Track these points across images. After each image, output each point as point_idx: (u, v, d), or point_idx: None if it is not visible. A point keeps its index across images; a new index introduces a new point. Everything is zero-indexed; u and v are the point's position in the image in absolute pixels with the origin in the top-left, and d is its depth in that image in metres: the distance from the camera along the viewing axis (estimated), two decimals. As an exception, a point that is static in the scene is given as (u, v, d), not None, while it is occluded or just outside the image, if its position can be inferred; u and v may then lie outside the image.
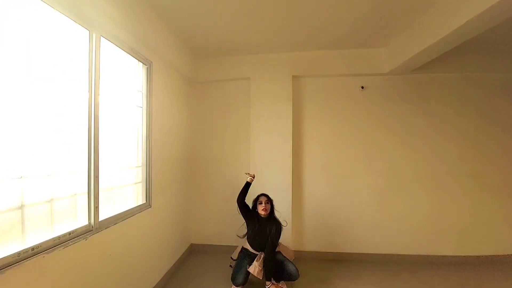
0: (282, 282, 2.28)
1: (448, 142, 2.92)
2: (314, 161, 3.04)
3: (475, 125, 2.90)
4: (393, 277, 2.56)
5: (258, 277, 2.17)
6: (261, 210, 2.27)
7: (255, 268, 2.18)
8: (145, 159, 2.14)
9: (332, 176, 3.01)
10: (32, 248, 1.14)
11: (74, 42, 1.42)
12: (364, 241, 2.96)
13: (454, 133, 2.92)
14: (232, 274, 2.29)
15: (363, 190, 2.98)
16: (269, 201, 2.33)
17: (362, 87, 3.00)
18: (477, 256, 2.83)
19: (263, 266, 2.22)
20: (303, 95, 3.10)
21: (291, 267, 2.25)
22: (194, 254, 3.11)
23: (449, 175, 2.90)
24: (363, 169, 2.98)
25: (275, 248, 2.28)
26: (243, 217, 2.38)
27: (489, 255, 2.83)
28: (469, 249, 2.85)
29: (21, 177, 1.13)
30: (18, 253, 1.08)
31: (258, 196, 2.37)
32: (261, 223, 2.29)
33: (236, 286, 2.23)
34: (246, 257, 2.34)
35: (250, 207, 2.40)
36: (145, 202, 2.13)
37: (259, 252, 2.30)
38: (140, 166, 2.11)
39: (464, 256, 2.84)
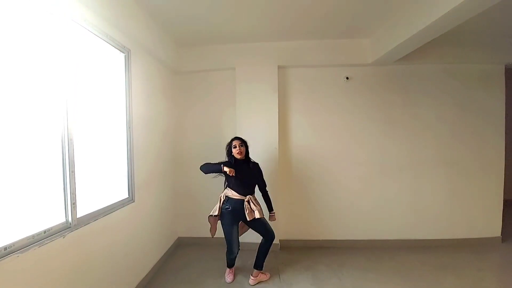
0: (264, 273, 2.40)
1: (427, 130, 3.02)
2: (300, 151, 3.07)
3: (453, 114, 3.02)
4: (375, 261, 2.68)
5: (260, 216, 2.21)
6: (236, 153, 2.26)
7: (255, 213, 2.19)
8: (127, 151, 2.07)
9: (317, 165, 3.05)
10: (5, 248, 1.09)
11: (42, 28, 1.31)
12: (348, 228, 3.06)
13: (433, 122, 3.02)
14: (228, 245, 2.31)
15: (347, 178, 3.05)
16: (243, 143, 2.33)
17: (347, 78, 3.02)
18: (453, 239, 3.01)
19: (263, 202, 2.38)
20: (289, 86, 3.08)
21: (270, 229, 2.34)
22: (182, 247, 3.10)
23: (428, 162, 3.03)
24: (347, 158, 3.04)
25: (265, 185, 2.43)
26: (220, 173, 2.31)
27: (464, 238, 3.01)
28: (445, 233, 3.02)
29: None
30: (-11, 253, 1.02)
31: (232, 140, 2.35)
32: (240, 167, 2.26)
33: (235, 256, 2.33)
34: (232, 212, 2.23)
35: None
36: (127, 196, 2.07)
37: (244, 195, 2.23)
38: (121, 160, 2.04)
39: (441, 239, 3.01)
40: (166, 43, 2.72)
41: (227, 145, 2.36)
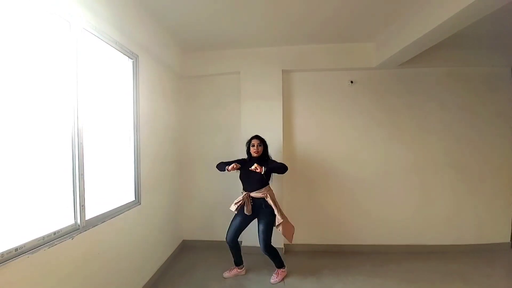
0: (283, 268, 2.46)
1: (433, 134, 3.00)
2: (304, 155, 3.06)
3: (459, 118, 2.99)
4: (381, 267, 2.64)
5: (248, 212, 2.30)
6: (253, 152, 2.36)
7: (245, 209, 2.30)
8: (134, 155, 2.10)
9: (322, 169, 3.04)
10: (16, 249, 1.11)
11: (54, 35, 1.36)
12: (353, 232, 3.03)
13: (439, 125, 2.99)
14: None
15: (352, 183, 3.03)
16: (262, 143, 2.40)
17: (352, 82, 3.03)
18: (461, 245, 2.95)
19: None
20: (293, 90, 3.10)
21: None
22: (186, 250, 3.11)
23: (434, 166, 2.99)
24: (352, 162, 3.03)
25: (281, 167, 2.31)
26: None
27: (473, 244, 2.95)
28: (453, 238, 2.97)
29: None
30: (2, 254, 1.05)
31: (251, 139, 2.43)
32: (251, 164, 2.25)
33: (228, 242, 2.41)
34: (242, 206, 2.36)
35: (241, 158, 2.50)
36: (134, 199, 2.10)
37: (250, 191, 2.35)
38: (128, 163, 2.07)
39: (448, 245, 2.95)
40: (172, 48, 2.78)
41: (247, 142, 2.46)
